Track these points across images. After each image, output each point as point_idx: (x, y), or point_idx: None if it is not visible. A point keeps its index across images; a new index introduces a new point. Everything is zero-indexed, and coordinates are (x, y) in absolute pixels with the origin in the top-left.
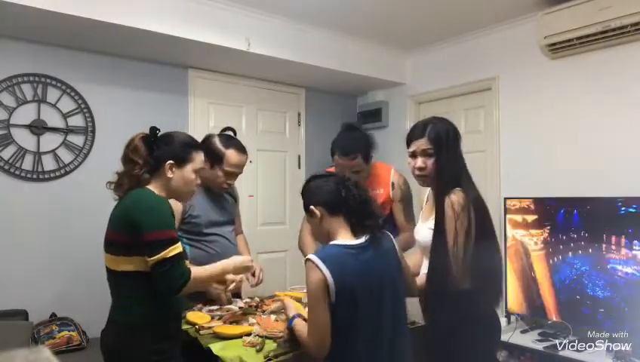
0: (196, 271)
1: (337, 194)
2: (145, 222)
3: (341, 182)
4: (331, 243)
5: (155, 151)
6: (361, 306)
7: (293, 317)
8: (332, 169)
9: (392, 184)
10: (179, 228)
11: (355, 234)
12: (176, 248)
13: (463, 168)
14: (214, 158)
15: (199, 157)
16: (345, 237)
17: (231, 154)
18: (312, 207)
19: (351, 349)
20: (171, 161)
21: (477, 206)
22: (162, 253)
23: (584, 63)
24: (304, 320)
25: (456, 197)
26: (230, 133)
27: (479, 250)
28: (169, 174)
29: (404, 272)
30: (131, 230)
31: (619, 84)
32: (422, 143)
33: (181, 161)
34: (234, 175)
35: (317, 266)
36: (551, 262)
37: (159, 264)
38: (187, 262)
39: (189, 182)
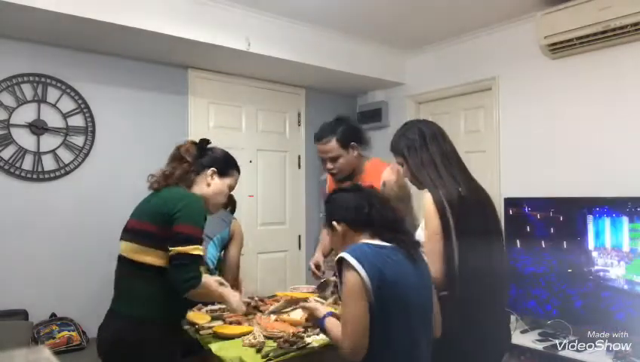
0: (207, 279)
1: (361, 210)
2: (180, 214)
3: (366, 198)
4: (362, 241)
5: (202, 157)
6: (399, 306)
7: (324, 316)
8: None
9: (383, 183)
10: None
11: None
12: (199, 249)
13: (440, 166)
14: None
15: (235, 177)
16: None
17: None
18: (334, 223)
19: (390, 350)
20: (214, 169)
21: (461, 205)
22: (186, 248)
23: (584, 63)
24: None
25: (424, 200)
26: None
27: (467, 252)
28: (209, 180)
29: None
30: (163, 222)
31: (619, 83)
32: (394, 155)
33: (222, 173)
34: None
35: (352, 265)
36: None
37: (179, 256)
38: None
39: (222, 194)
